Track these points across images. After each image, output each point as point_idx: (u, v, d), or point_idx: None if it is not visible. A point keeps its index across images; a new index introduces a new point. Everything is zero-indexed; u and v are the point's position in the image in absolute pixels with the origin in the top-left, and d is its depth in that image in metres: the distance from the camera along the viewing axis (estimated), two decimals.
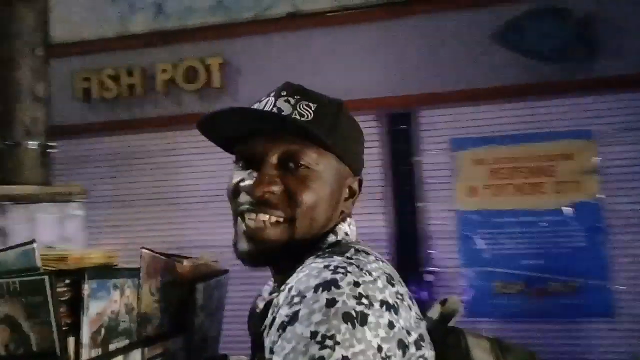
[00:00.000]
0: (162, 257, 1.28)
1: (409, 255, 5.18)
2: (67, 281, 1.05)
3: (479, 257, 4.97)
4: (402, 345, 0.82)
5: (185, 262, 1.36)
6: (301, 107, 0.97)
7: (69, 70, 5.66)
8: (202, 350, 1.37)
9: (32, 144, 3.23)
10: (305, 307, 0.79)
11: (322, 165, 0.96)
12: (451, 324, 1.05)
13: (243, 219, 0.96)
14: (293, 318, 0.79)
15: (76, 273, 1.05)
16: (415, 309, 0.90)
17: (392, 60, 5.13)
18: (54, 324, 0.99)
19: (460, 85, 4.90)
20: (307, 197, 0.94)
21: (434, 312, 1.11)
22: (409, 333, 0.84)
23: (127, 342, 1.13)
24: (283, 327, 0.80)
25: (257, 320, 0.97)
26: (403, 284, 0.91)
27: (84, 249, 1.41)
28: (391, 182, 5.30)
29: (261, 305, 0.98)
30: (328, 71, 5.31)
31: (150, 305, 1.22)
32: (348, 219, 1.03)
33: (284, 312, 0.81)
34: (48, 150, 3.32)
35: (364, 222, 5.49)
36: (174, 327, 1.29)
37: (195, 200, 5.55)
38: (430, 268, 5.12)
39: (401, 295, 0.88)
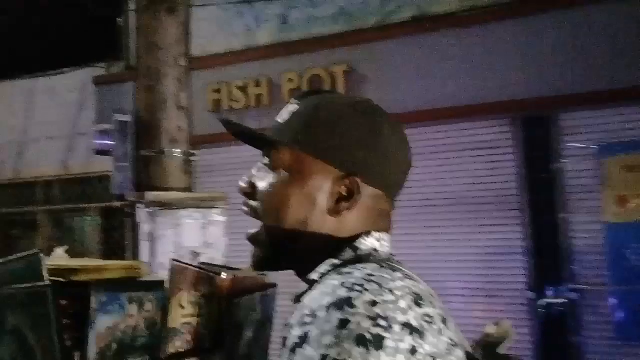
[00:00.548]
0: (195, 268, 1.20)
1: (548, 271, 4.79)
2: (74, 293, 1.00)
3: (630, 275, 4.48)
4: None
5: (224, 275, 1.25)
6: (289, 110, 0.94)
7: (201, 83, 5.81)
8: None
9: (177, 152, 3.30)
10: (316, 328, 0.73)
11: (293, 165, 0.90)
12: (502, 349, 0.87)
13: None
14: (303, 340, 0.74)
15: (85, 285, 1.00)
16: (450, 333, 0.79)
17: (528, 59, 4.80)
18: (55, 337, 0.94)
19: (608, 85, 4.47)
20: (262, 186, 0.92)
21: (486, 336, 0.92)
22: (434, 358, 0.74)
23: (147, 358, 1.07)
24: (293, 349, 0.75)
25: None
26: (436, 305, 0.80)
27: (106, 261, 1.29)
28: (527, 192, 4.94)
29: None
30: (458, 74, 5.07)
31: (180, 319, 1.14)
32: (377, 234, 0.91)
33: (295, 333, 0.76)
34: (190, 158, 3.39)
35: (495, 235, 5.20)
36: (211, 343, 1.20)
37: None
38: (574, 286, 4.70)
39: (430, 317, 0.77)
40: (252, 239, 0.93)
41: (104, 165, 7.31)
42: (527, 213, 4.90)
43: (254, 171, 0.94)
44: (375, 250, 0.89)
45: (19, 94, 7.81)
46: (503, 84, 4.89)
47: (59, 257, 1.37)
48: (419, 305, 0.77)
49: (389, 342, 0.71)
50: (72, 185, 7.61)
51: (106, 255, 7.19)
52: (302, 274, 0.88)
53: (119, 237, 7.14)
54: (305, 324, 0.75)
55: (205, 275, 1.21)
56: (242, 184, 0.94)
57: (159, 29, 3.41)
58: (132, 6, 7.03)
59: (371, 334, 0.71)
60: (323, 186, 0.90)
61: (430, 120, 5.13)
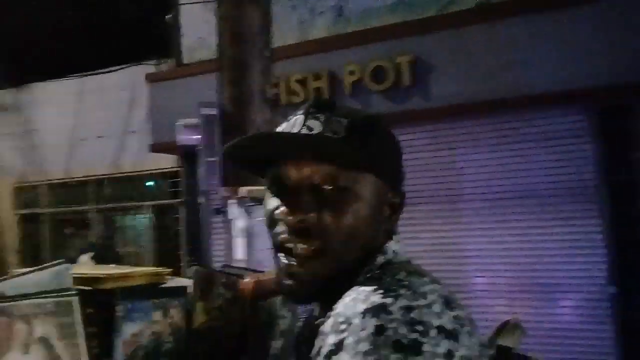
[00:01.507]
0: (218, 273, 1.20)
1: (630, 264, 4.57)
2: (100, 301, 1.01)
3: None
4: None
5: (248, 279, 1.24)
6: (332, 124, 0.86)
7: None
8: None
9: None
10: (351, 335, 0.72)
11: (359, 185, 0.85)
12: (516, 347, 0.96)
13: (282, 252, 0.87)
14: (339, 347, 0.72)
15: (110, 293, 1.01)
16: (478, 334, 0.79)
17: (605, 45, 4.57)
18: (83, 345, 0.95)
19: None
20: (345, 221, 0.84)
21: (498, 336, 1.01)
22: None
23: None
24: (328, 356, 0.73)
25: (303, 347, 0.91)
26: (463, 307, 0.79)
27: (130, 268, 1.27)
28: (606, 183, 4.72)
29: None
30: (527, 62, 4.86)
31: (205, 324, 1.14)
32: (394, 237, 0.91)
33: (330, 341, 0.74)
34: None
35: (572, 228, 5.00)
36: (237, 347, 1.20)
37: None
38: None
39: (461, 320, 0.76)
40: (299, 272, 0.85)
41: (155, 163, 7.28)
42: (606, 205, 4.69)
43: (302, 205, 0.84)
44: (395, 252, 0.88)
45: (69, 94, 7.78)
46: (578, 71, 4.67)
47: (84, 264, 1.36)
48: (450, 308, 0.76)
49: (426, 347, 0.70)
50: (124, 183, 7.57)
51: (159, 253, 7.14)
52: (337, 299, 0.80)
53: (172, 235, 7.08)
54: (340, 331, 0.73)
55: (229, 279, 1.21)
56: (310, 219, 0.83)
57: (243, 18, 3.28)
58: (182, 0, 6.95)
59: (408, 339, 0.70)
60: (383, 203, 0.89)
61: (501, 110, 4.95)
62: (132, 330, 1.00)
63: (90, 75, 7.64)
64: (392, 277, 0.79)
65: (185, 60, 7.05)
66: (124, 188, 7.61)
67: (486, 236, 5.01)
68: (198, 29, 6.97)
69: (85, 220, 7.90)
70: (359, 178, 0.85)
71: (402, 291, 0.75)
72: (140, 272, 1.20)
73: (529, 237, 4.93)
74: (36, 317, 0.97)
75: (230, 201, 2.96)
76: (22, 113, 8.15)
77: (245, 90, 3.22)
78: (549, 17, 4.82)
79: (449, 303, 0.77)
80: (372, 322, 0.71)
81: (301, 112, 0.90)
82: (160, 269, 1.30)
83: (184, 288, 1.15)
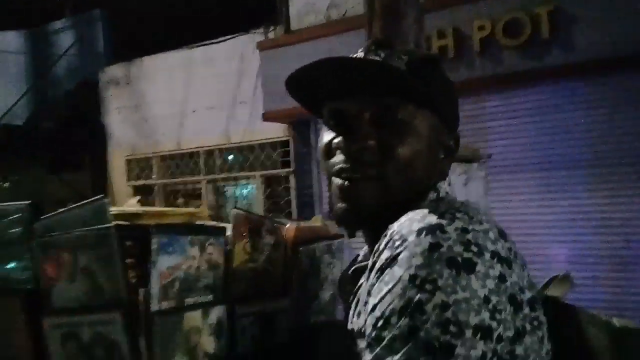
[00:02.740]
0: (260, 217, 1.25)
1: None
2: (137, 236, 1.06)
3: None
4: (514, 302, 0.72)
5: (290, 225, 1.30)
6: (393, 59, 0.87)
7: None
8: (311, 314, 1.32)
9: None
10: (406, 250, 0.72)
11: (418, 120, 0.86)
12: (562, 296, 0.94)
13: (338, 177, 0.87)
14: (393, 261, 0.73)
15: (147, 228, 1.04)
16: (528, 272, 0.77)
17: None
18: (120, 275, 1.01)
19: None
20: (402, 152, 0.84)
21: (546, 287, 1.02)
22: (522, 291, 0.74)
23: (210, 297, 1.11)
24: (382, 269, 0.74)
25: (348, 286, 0.93)
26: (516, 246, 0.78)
27: (169, 208, 1.35)
28: None
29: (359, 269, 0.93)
30: None
31: (245, 264, 1.19)
32: (447, 179, 0.91)
33: (384, 256, 0.75)
34: None
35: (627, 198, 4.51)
36: (275, 288, 1.26)
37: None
38: None
39: (514, 253, 0.76)
40: (355, 196, 0.85)
41: (264, 132, 7.19)
42: None
43: (361, 134, 0.85)
44: (447, 193, 0.90)
45: (178, 65, 7.81)
46: None
47: (130, 205, 1.43)
48: (505, 239, 0.77)
49: (479, 267, 0.71)
50: (233, 154, 7.55)
51: None
52: (381, 227, 0.80)
53: (282, 204, 7.00)
54: (395, 247, 0.74)
55: (271, 224, 1.26)
56: (370, 147, 0.85)
57: None
58: None
59: (463, 258, 0.71)
60: (440, 144, 0.90)
61: None
62: (168, 263, 1.04)
63: (198, 46, 7.63)
64: (449, 205, 0.80)
65: (294, 27, 6.87)
66: (234, 158, 7.60)
67: (546, 206, 4.59)
68: None
69: (196, 190, 7.97)
70: (418, 113, 0.86)
71: (459, 215, 0.76)
72: (177, 211, 1.30)
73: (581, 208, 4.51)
74: (79, 249, 1.03)
75: None
76: (133, 86, 8.29)
77: (399, 42, 2.95)
78: None
79: (503, 235, 0.77)
80: (427, 239, 0.72)
81: (360, 50, 0.91)
82: (197, 209, 1.35)
83: (223, 228, 1.19)
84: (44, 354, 1.02)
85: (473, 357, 0.68)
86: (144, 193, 8.28)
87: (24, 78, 9.42)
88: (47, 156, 8.41)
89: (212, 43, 7.47)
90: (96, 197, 1.07)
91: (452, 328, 0.68)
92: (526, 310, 0.74)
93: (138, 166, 8.40)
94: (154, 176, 8.22)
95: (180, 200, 7.87)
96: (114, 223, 1.03)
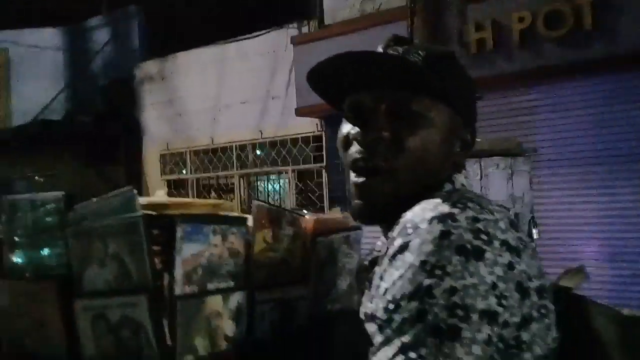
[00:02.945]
0: (280, 209, 1.32)
1: None
2: (164, 224, 1.12)
3: None
4: (522, 289, 0.75)
5: (309, 217, 1.36)
6: (411, 54, 0.90)
7: None
8: (328, 302, 1.37)
9: None
10: (417, 238, 0.75)
11: (433, 113, 0.88)
12: (575, 287, 0.93)
13: (354, 172, 0.91)
14: (404, 247, 0.76)
15: (172, 218, 1.12)
16: (539, 261, 0.80)
17: None
18: (147, 261, 1.06)
19: None
20: (415, 144, 0.87)
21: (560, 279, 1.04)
22: (530, 279, 0.76)
23: (231, 284, 1.17)
24: (394, 255, 0.77)
25: (364, 275, 0.95)
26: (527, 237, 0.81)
27: (194, 199, 1.38)
28: None
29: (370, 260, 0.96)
30: None
31: (265, 253, 1.25)
32: (464, 172, 0.94)
33: (397, 243, 0.77)
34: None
35: None
36: (294, 276, 1.31)
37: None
38: None
39: (525, 242, 0.79)
40: (369, 191, 0.89)
41: (297, 127, 7.19)
42: None
43: (377, 125, 0.88)
44: (463, 185, 0.92)
45: (211, 61, 7.86)
46: None
47: (158, 196, 1.52)
48: (515, 229, 0.79)
49: (488, 255, 0.74)
50: (266, 149, 7.57)
51: None
52: (399, 217, 0.83)
53: (315, 199, 6.98)
54: (407, 234, 0.76)
55: (291, 216, 1.32)
56: (384, 138, 0.88)
57: None
58: None
59: (472, 245, 0.73)
60: (455, 137, 0.92)
61: None
62: (191, 251, 1.10)
63: (232, 42, 7.66)
64: (462, 195, 0.82)
65: (327, 21, 6.84)
66: (267, 153, 7.61)
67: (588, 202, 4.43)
68: None
69: (228, 185, 8.02)
70: (433, 106, 0.88)
71: (471, 204, 0.78)
72: (201, 202, 1.35)
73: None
74: (109, 236, 1.10)
75: None
76: (168, 82, 8.37)
77: (440, 34, 2.90)
78: None
79: (514, 225, 0.79)
80: (438, 227, 0.74)
81: (381, 45, 0.94)
82: (220, 201, 1.40)
83: (245, 219, 1.25)
84: (75, 334, 1.09)
85: (479, 340, 0.71)
86: (178, 187, 8.35)
87: (61, 74, 9.61)
88: (84, 150, 8.55)
89: (246, 38, 7.50)
90: (125, 188, 1.13)
91: (459, 312, 0.71)
92: (534, 298, 0.76)
93: (172, 160, 8.48)
94: (183, 171, 8.29)
95: (213, 195, 7.93)
96: (142, 212, 1.09)
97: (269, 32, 7.30)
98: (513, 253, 0.75)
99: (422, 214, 0.77)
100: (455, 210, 0.76)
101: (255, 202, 1.25)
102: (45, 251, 1.16)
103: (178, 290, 1.06)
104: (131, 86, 8.66)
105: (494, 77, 4.99)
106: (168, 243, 1.09)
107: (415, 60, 0.89)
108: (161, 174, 8.57)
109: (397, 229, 0.79)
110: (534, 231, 2.72)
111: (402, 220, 0.80)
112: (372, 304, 0.80)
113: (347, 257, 1.42)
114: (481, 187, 2.57)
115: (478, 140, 2.71)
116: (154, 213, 1.13)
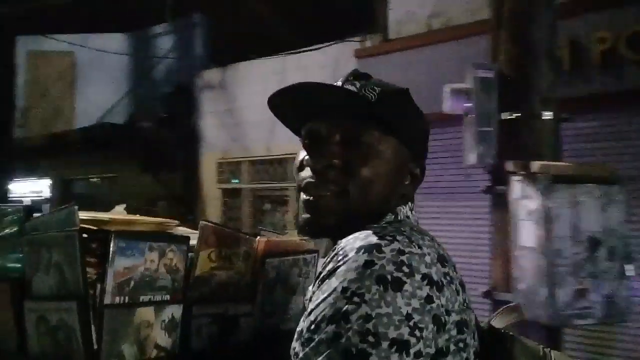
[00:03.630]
0: (225, 230, 1.39)
1: None
2: (102, 239, 1.21)
3: None
4: (438, 322, 0.81)
5: (260, 239, 1.43)
6: (366, 89, 0.98)
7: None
8: (278, 321, 1.44)
9: (548, 115, 2.66)
10: (344, 265, 0.82)
11: (382, 146, 0.96)
12: (505, 327, 0.99)
13: (304, 192, 0.98)
14: (332, 273, 0.83)
15: (108, 233, 1.21)
16: (465, 297, 0.87)
17: None
18: (80, 270, 1.17)
19: None
20: (364, 172, 0.95)
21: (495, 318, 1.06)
22: (448, 313, 0.82)
23: (166, 297, 1.26)
24: (323, 280, 0.84)
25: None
26: (456, 271, 0.89)
27: (141, 217, 1.41)
28: None
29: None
30: None
31: (208, 271, 1.34)
32: (409, 204, 1.01)
33: (328, 267, 0.85)
34: (561, 123, 2.73)
35: None
36: (241, 294, 1.40)
37: None
38: None
39: (450, 277, 0.85)
40: (317, 207, 0.96)
41: None
42: None
43: (328, 153, 0.96)
44: (407, 217, 0.99)
45: (272, 72, 7.85)
46: None
47: (115, 212, 1.58)
48: (442, 265, 0.85)
49: (407, 287, 0.79)
50: None
51: None
52: (341, 237, 0.91)
53: None
54: (337, 261, 0.84)
55: (239, 236, 1.41)
56: (334, 165, 0.95)
57: None
58: None
59: (392, 276, 0.79)
60: (403, 170, 1.00)
61: None
62: (124, 264, 1.18)
63: (293, 53, 7.61)
64: (396, 228, 0.88)
65: (392, 36, 6.69)
66: None
67: None
68: (407, 2, 6.59)
69: (283, 197, 7.96)
70: (383, 139, 0.96)
71: (400, 237, 0.84)
72: (146, 220, 1.40)
73: None
74: (53, 246, 1.21)
75: (514, 178, 2.50)
76: (228, 91, 8.41)
77: (527, 48, 2.71)
78: None
79: (443, 261, 0.86)
80: (363, 257, 0.81)
81: (340, 80, 1.01)
82: (167, 220, 1.44)
83: (186, 237, 1.32)
84: (24, 333, 1.24)
85: None
86: (232, 196, 8.35)
87: (124, 78, 9.82)
88: (143, 155, 8.68)
89: (307, 50, 7.44)
90: (68, 205, 1.23)
91: (370, 338, 0.76)
92: (452, 332, 0.82)
93: (228, 169, 8.50)
94: (233, 180, 8.28)
95: (267, 206, 7.90)
96: (78, 227, 1.20)
97: (331, 44, 7.21)
98: (434, 287, 0.81)
99: (353, 243, 0.84)
100: (383, 242, 0.82)
101: (201, 222, 1.33)
102: (7, 256, 1.32)
103: (107, 300, 1.16)
104: (192, 94, 8.76)
105: (587, 96, 4.72)
106: (103, 256, 1.19)
107: (369, 95, 0.96)
108: (217, 182, 8.59)
109: (331, 254, 0.86)
110: (629, 267, 2.50)
111: (337, 247, 0.87)
112: (303, 323, 0.86)
113: (300, 278, 1.51)
114: (571, 216, 2.36)
115: (567, 164, 2.48)
116: (93, 227, 1.23)
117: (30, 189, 10.82)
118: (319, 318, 0.80)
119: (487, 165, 2.74)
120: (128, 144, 8.52)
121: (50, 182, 11.00)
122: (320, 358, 0.77)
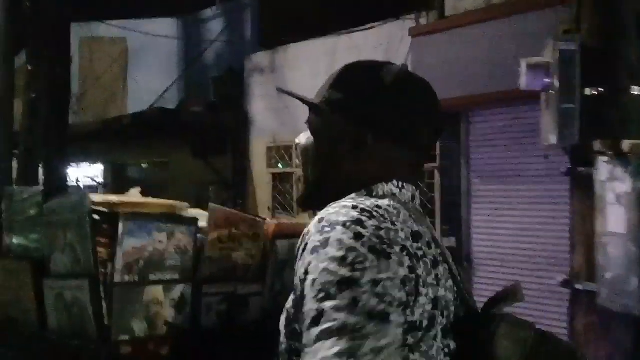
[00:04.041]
0: (234, 212, 1.48)
1: None
2: (114, 220, 1.28)
3: None
4: (417, 292, 0.90)
5: (270, 221, 1.52)
6: (331, 90, 1.08)
7: None
8: (282, 302, 1.36)
9: (637, 90, 2.43)
10: (335, 235, 0.89)
11: (315, 124, 1.08)
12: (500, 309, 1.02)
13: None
14: (324, 243, 0.89)
15: (117, 215, 1.29)
16: (440, 272, 0.95)
17: None
18: (91, 251, 1.25)
19: None
20: (315, 152, 1.07)
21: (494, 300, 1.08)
22: (424, 286, 0.91)
23: (175, 276, 1.32)
24: (316, 250, 0.90)
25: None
26: (434, 250, 0.96)
27: (151, 199, 1.50)
28: None
29: None
30: None
31: (218, 251, 1.40)
32: (396, 182, 1.03)
33: (315, 238, 0.91)
34: None
35: None
36: (252, 274, 1.46)
37: None
38: None
39: (423, 252, 0.94)
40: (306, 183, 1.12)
41: None
42: None
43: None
44: (394, 194, 1.01)
45: (322, 53, 7.72)
46: None
47: (131, 195, 1.62)
48: (415, 241, 0.94)
49: (394, 257, 0.89)
50: None
51: None
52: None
53: (425, 201, 6.60)
54: (325, 232, 0.91)
55: (248, 218, 1.50)
56: (302, 143, 1.12)
57: None
58: None
59: (379, 247, 0.89)
60: (341, 139, 1.05)
61: None
62: (133, 244, 1.26)
63: (344, 34, 7.42)
64: (372, 202, 0.95)
65: (449, 12, 6.41)
66: None
67: None
68: None
69: None
70: (318, 119, 1.08)
71: (375, 213, 0.92)
72: (156, 202, 1.48)
73: None
74: (68, 228, 1.30)
75: (602, 158, 2.29)
76: (277, 74, 8.32)
77: (615, 16, 2.47)
78: None
79: (417, 237, 0.94)
80: (352, 229, 0.89)
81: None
82: (177, 202, 1.49)
83: (195, 219, 1.40)
84: (44, 308, 1.33)
85: (400, 324, 0.86)
86: (283, 181, 8.29)
87: (175, 63, 9.87)
88: (194, 140, 8.70)
89: (360, 30, 7.25)
90: (83, 189, 1.48)
91: (386, 298, 0.86)
92: (427, 306, 0.90)
93: (278, 154, 8.43)
94: (279, 165, 8.19)
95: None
96: (88, 209, 1.27)
97: (383, 23, 6.98)
98: (413, 258, 0.90)
99: (336, 216, 0.91)
100: (364, 217, 0.90)
101: (210, 205, 1.41)
102: (28, 236, 1.41)
103: (117, 278, 1.24)
104: (241, 77, 8.73)
105: None
106: (114, 236, 1.26)
107: (329, 88, 1.07)
108: (267, 167, 8.55)
109: (312, 225, 0.93)
110: None
111: (316, 218, 0.94)
112: (295, 295, 0.94)
113: None
114: None
115: None
116: (105, 210, 1.30)
117: (84, 173, 11.07)
118: (326, 286, 0.86)
119: (567, 146, 2.52)
120: (179, 129, 8.57)
121: (103, 167, 11.23)
122: (353, 320, 0.83)
